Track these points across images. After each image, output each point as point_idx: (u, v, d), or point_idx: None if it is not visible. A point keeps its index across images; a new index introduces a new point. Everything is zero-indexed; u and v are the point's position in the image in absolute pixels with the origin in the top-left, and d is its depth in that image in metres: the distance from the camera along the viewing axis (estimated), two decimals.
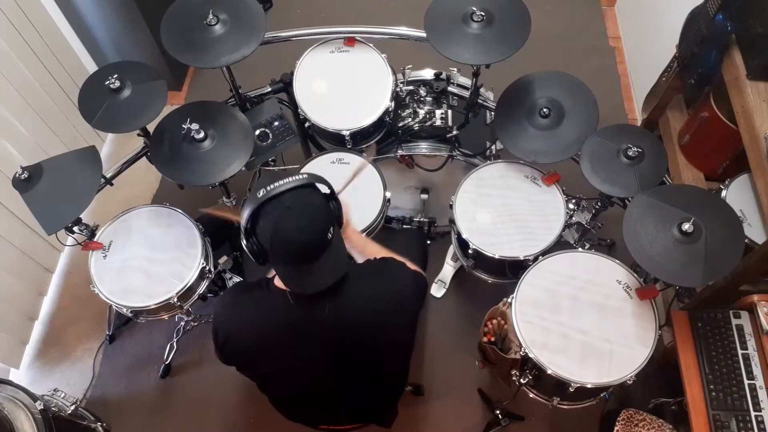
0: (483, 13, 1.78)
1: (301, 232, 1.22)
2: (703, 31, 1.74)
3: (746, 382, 1.62)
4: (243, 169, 1.82)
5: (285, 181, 1.24)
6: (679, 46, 1.94)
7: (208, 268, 1.97)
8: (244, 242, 1.28)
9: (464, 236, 1.90)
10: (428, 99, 2.12)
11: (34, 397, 1.77)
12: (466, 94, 2.06)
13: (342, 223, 1.37)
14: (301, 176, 1.27)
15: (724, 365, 1.65)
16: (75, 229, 1.84)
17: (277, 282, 1.35)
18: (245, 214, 1.24)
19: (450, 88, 2.13)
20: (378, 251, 1.57)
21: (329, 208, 1.30)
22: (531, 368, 1.73)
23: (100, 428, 2.04)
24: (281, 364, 1.42)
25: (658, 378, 2.01)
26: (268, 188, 1.23)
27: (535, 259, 1.82)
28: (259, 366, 1.45)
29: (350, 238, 1.56)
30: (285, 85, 2.14)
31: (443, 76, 2.12)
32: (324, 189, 1.32)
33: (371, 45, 2.09)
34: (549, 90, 1.90)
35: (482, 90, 2.10)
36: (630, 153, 1.73)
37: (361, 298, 1.36)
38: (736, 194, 1.81)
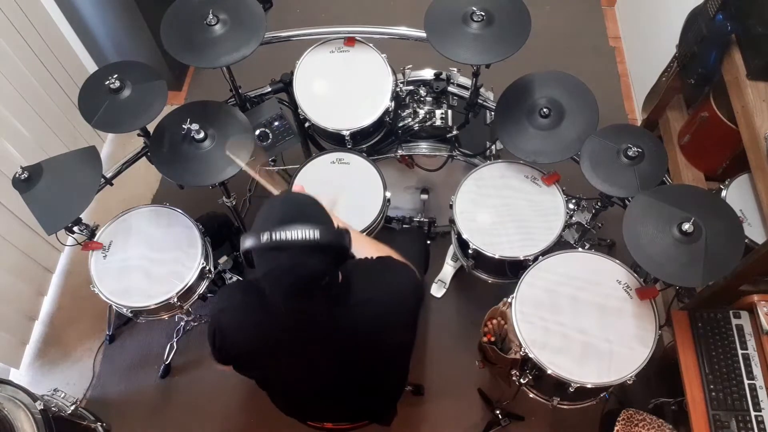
0: (483, 13, 1.78)
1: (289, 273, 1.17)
2: (703, 31, 1.74)
3: (746, 382, 1.62)
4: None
5: (293, 233, 1.13)
6: (679, 46, 1.94)
7: (208, 268, 1.97)
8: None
9: (464, 236, 1.90)
10: (428, 99, 2.12)
11: (34, 397, 1.77)
12: (466, 94, 2.06)
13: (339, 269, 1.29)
14: (313, 232, 1.14)
15: (724, 365, 1.65)
16: (75, 229, 1.84)
17: None
18: (245, 244, 1.18)
19: (450, 88, 2.12)
20: (374, 250, 1.56)
21: (323, 278, 1.22)
22: (531, 368, 1.73)
23: (100, 428, 2.04)
24: (280, 364, 1.42)
25: (658, 378, 2.01)
26: (274, 236, 1.13)
27: (535, 259, 1.82)
28: (258, 367, 1.45)
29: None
30: (285, 85, 2.14)
31: (443, 76, 2.12)
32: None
33: (371, 45, 2.09)
34: (549, 90, 1.90)
35: (482, 90, 2.10)
36: (630, 153, 1.73)
37: (359, 298, 1.35)
38: (736, 194, 1.80)
